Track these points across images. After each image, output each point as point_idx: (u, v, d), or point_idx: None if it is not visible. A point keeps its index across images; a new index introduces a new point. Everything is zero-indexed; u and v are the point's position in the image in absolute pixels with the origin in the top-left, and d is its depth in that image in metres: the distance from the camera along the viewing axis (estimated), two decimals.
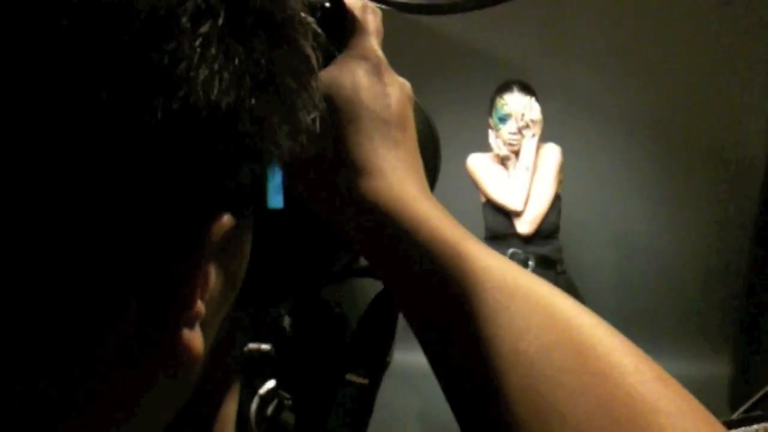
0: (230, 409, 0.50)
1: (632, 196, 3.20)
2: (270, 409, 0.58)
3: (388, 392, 0.58)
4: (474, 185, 2.61)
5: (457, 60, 3.15)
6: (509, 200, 2.51)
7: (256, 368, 0.56)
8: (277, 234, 0.36)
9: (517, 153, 2.52)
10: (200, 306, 0.25)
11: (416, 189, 0.33)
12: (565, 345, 0.29)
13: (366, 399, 0.51)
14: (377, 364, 0.51)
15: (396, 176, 0.33)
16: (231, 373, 0.50)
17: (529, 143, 2.50)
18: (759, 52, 3.04)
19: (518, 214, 2.52)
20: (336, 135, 0.33)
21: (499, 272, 0.31)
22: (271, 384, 0.59)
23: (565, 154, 2.57)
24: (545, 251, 2.53)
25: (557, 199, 2.55)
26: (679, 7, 2.95)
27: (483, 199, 2.60)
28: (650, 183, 3.20)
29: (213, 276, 0.26)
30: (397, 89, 0.35)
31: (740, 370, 3.02)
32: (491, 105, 2.60)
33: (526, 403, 0.28)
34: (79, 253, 0.21)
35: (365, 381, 0.51)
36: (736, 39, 3.01)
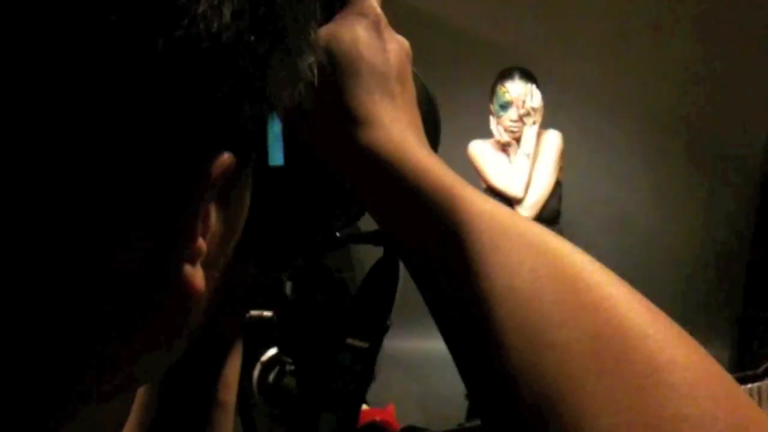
0: (233, 369, 0.50)
1: (632, 183, 3.21)
2: (272, 376, 0.59)
3: (387, 379, 0.58)
4: (475, 172, 2.62)
5: (459, 47, 3.15)
6: (510, 187, 2.51)
7: (258, 336, 0.57)
8: (277, 191, 0.37)
9: (518, 140, 2.52)
10: (201, 243, 0.26)
11: (415, 139, 0.34)
12: (557, 279, 0.29)
13: (367, 362, 0.51)
14: (377, 328, 0.52)
15: (395, 127, 0.34)
16: (233, 332, 0.51)
17: (530, 130, 2.50)
18: (761, 42, 3.03)
19: (519, 201, 2.53)
20: (335, 88, 0.33)
21: (493, 214, 0.32)
22: (272, 351, 0.60)
23: (566, 140, 2.57)
24: None
25: (558, 185, 2.56)
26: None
27: (484, 186, 2.61)
28: (651, 170, 3.21)
29: (213, 216, 0.27)
30: (396, 45, 0.35)
31: (739, 356, 3.03)
32: (492, 92, 2.60)
33: (519, 337, 0.28)
34: (79, 183, 0.22)
35: (365, 345, 0.51)
36: (739, 27, 3.01)
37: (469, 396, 0.32)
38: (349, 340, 0.52)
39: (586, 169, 2.97)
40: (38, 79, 0.20)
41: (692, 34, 3.01)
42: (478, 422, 0.65)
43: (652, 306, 0.29)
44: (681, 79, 3.11)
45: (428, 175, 0.32)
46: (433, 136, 0.52)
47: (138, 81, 0.21)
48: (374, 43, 0.34)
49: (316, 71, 0.29)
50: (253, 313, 0.56)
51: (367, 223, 0.49)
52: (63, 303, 0.23)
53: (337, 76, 0.33)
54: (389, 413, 2.09)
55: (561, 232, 2.57)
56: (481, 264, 0.30)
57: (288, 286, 0.54)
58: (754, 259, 3.05)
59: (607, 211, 3.21)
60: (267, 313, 0.56)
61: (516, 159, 2.52)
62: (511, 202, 2.53)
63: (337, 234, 0.52)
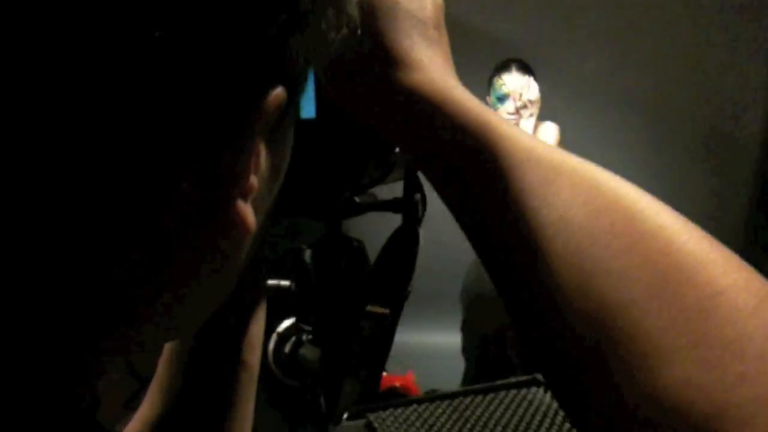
0: (258, 327, 0.50)
1: (628, 176, 3.20)
2: (288, 347, 0.59)
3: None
4: None
5: (456, 39, 3.13)
6: None
7: (274, 306, 0.57)
8: (309, 144, 0.37)
9: None
10: (253, 180, 0.26)
11: (455, 82, 0.34)
12: (613, 210, 0.29)
13: (388, 329, 0.51)
14: (398, 295, 0.51)
15: (435, 70, 0.33)
16: (257, 294, 0.51)
17: (526, 123, 2.51)
18: (758, 36, 3.05)
19: None
20: (374, 32, 0.33)
21: (540, 151, 0.32)
22: (288, 322, 0.59)
23: (563, 133, 2.58)
24: None
25: None
26: None
27: None
28: (646, 164, 3.22)
29: (263, 154, 0.26)
30: None
31: None
32: (489, 84, 2.60)
33: (572, 265, 0.28)
34: (136, 118, 0.22)
35: (386, 311, 0.51)
36: (736, 21, 3.02)
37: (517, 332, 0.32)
38: (370, 307, 0.52)
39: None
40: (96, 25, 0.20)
41: (691, 28, 3.02)
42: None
43: (707, 235, 0.29)
44: (679, 75, 3.12)
45: (471, 114, 0.32)
46: None
47: (195, 17, 0.21)
48: None
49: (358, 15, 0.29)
50: (271, 282, 0.56)
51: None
52: (121, 238, 0.23)
53: (374, 22, 0.33)
54: (409, 379, 2.10)
55: None
56: (534, 198, 0.30)
57: (308, 254, 0.53)
58: (749, 254, 3.07)
59: None
60: (284, 283, 0.56)
61: None
62: None
63: (357, 200, 0.52)
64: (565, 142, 2.59)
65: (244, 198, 0.26)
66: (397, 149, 0.46)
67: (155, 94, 0.22)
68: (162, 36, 0.21)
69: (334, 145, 0.42)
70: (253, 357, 0.49)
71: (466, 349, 2.91)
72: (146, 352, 0.30)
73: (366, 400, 0.51)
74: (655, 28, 3.02)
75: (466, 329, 2.73)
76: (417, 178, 0.53)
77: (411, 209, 0.53)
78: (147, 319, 0.26)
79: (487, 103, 2.58)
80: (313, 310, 0.54)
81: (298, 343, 0.58)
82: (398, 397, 0.58)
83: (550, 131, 2.55)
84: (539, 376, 0.63)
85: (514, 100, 2.51)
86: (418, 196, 0.53)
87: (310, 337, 0.57)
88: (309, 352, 0.57)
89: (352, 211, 0.52)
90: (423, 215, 0.54)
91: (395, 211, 0.53)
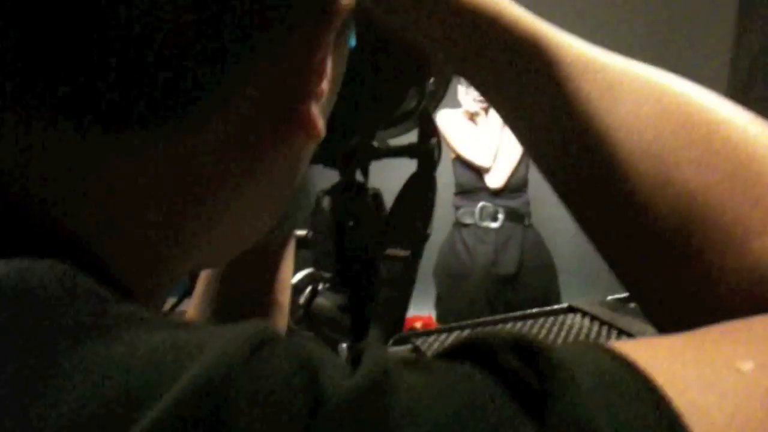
0: (287, 271, 0.50)
1: None
2: (302, 299, 0.59)
3: None
4: (444, 141, 2.63)
5: None
6: (477, 157, 2.54)
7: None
8: (350, 74, 0.37)
9: (486, 110, 2.55)
10: (325, 84, 0.26)
11: None
12: (685, 103, 0.30)
13: (409, 270, 0.52)
14: (418, 236, 0.52)
15: None
16: (289, 231, 0.51)
17: None
18: (719, 34, 3.12)
19: (486, 170, 2.56)
20: None
21: (603, 56, 0.32)
22: (302, 273, 0.60)
23: None
24: (514, 204, 2.58)
25: (526, 154, 2.60)
26: None
27: (452, 155, 2.62)
28: None
29: (329, 62, 0.26)
30: None
31: None
32: None
33: (652, 157, 0.29)
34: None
35: (407, 253, 0.52)
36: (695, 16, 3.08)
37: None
38: (390, 251, 0.52)
39: None
40: None
41: (651, 23, 3.07)
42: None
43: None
44: (652, 48, 3.18)
45: (528, 26, 0.33)
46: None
47: None
48: None
49: None
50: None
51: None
52: (197, 126, 0.23)
53: None
54: (430, 319, 2.10)
55: (528, 200, 2.61)
56: (603, 99, 0.31)
57: (326, 201, 0.54)
58: None
59: None
60: (301, 232, 0.56)
61: (484, 129, 2.55)
62: (479, 171, 2.56)
63: (375, 144, 0.52)
64: None
65: (317, 101, 0.26)
66: (432, 79, 0.46)
67: None
68: None
69: (375, 73, 0.42)
70: (284, 297, 0.49)
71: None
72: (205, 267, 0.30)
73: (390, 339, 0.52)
74: (628, 11, 3.07)
75: (440, 306, 2.75)
76: (433, 122, 0.53)
77: (427, 153, 0.53)
78: (214, 221, 0.26)
79: (459, 81, 2.60)
80: (332, 256, 0.54)
81: (314, 294, 0.58)
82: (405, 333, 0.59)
83: None
84: (574, 304, 0.64)
85: None
86: (434, 140, 0.53)
87: (327, 285, 0.58)
88: (326, 301, 0.57)
89: (368, 156, 0.52)
90: (438, 160, 0.54)
91: (411, 156, 0.54)
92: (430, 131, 0.53)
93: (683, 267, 0.28)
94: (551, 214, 3.22)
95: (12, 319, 0.17)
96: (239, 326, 0.19)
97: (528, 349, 0.19)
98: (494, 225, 2.55)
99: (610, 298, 0.67)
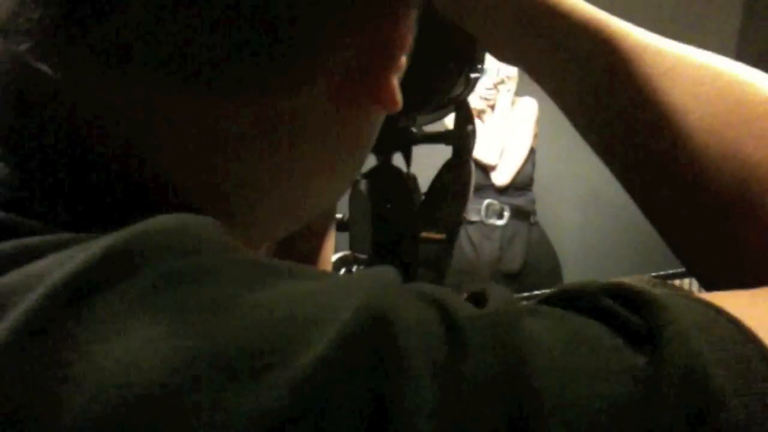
0: (329, 252, 0.52)
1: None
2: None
3: None
4: None
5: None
6: (483, 154, 2.55)
7: None
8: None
9: (492, 107, 2.56)
10: (403, 59, 0.27)
11: None
12: (738, 82, 0.32)
13: (445, 253, 0.53)
14: (454, 220, 0.54)
15: None
16: (331, 214, 0.52)
17: (504, 98, 2.54)
18: (726, 16, 3.13)
19: (492, 168, 2.57)
20: None
21: (658, 41, 0.34)
22: (336, 256, 0.61)
23: (541, 108, 2.62)
24: (519, 202, 2.60)
25: (532, 152, 2.61)
26: None
27: None
28: None
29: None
30: None
31: None
32: None
33: (714, 133, 0.30)
34: None
35: (443, 236, 0.53)
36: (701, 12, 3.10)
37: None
38: (425, 233, 0.54)
39: (559, 137, 3.03)
40: None
41: (664, 17, 3.09)
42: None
43: None
44: None
45: (582, 10, 0.34)
46: None
47: None
48: None
49: None
50: None
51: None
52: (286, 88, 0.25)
53: None
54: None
55: (533, 198, 2.63)
56: (661, 81, 0.32)
57: (363, 184, 0.55)
58: None
59: (578, 180, 3.29)
60: (338, 215, 0.58)
61: (490, 126, 2.56)
62: (485, 168, 2.58)
63: (414, 130, 0.54)
64: (543, 117, 2.63)
65: (398, 74, 0.27)
66: (480, 65, 0.47)
67: None
68: None
69: (430, 55, 0.43)
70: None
71: None
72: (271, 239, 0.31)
73: None
74: (634, 10, 3.08)
75: None
76: (469, 109, 0.55)
77: (463, 140, 0.55)
78: (297, 185, 0.28)
79: None
80: (368, 238, 0.56)
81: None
82: None
83: (529, 106, 2.59)
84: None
85: (492, 75, 2.53)
86: (470, 127, 0.55)
87: (361, 267, 0.59)
88: None
89: (408, 142, 0.54)
90: (473, 147, 0.56)
91: (448, 142, 0.55)
92: (466, 118, 0.54)
93: (745, 234, 0.30)
94: (556, 212, 3.26)
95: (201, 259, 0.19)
96: (374, 271, 0.21)
97: (626, 295, 0.21)
98: (500, 222, 2.56)
99: (650, 275, 0.69)
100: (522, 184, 2.60)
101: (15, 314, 0.17)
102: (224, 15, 0.23)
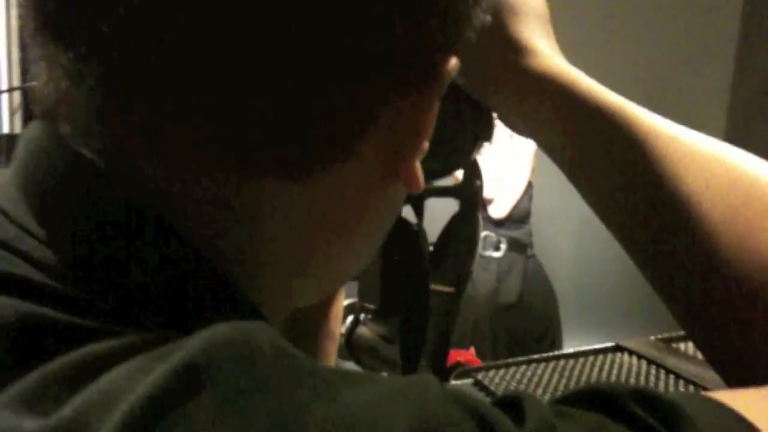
0: (340, 302, 0.53)
1: None
2: (344, 327, 0.61)
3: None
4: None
5: None
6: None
7: None
8: None
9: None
10: (425, 143, 0.29)
11: (574, 68, 0.37)
12: (748, 175, 0.33)
13: (453, 305, 0.55)
14: (463, 274, 0.55)
15: (556, 56, 0.37)
16: None
17: (502, 131, 2.57)
18: (721, 51, 3.17)
19: (489, 201, 2.59)
20: (501, 25, 0.37)
21: (672, 128, 0.35)
22: (345, 302, 0.62)
23: None
24: (517, 235, 2.61)
25: (529, 186, 2.64)
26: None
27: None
28: None
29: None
30: None
31: None
32: None
33: (725, 223, 0.32)
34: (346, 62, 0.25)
35: (451, 289, 0.55)
36: (698, 20, 3.13)
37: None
38: (434, 286, 0.55)
39: (556, 170, 3.05)
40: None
41: (658, 41, 3.13)
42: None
43: None
44: (648, 88, 3.22)
45: (598, 95, 0.36)
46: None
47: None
48: None
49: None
50: None
51: None
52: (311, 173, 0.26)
53: (501, 15, 0.37)
54: (471, 354, 2.13)
55: (530, 231, 2.64)
56: (676, 168, 0.34)
57: None
58: None
59: (574, 213, 3.31)
60: None
61: (487, 160, 2.59)
62: (482, 201, 2.60)
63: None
64: (541, 151, 2.65)
65: (420, 157, 0.29)
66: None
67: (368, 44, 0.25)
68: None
69: (453, 125, 0.44)
70: (337, 327, 0.52)
71: None
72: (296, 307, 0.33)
73: (436, 374, 0.54)
74: (627, 42, 3.12)
75: None
76: (478, 166, 0.56)
77: (472, 195, 0.56)
78: (331, 258, 0.30)
79: None
80: (377, 288, 0.57)
81: (356, 323, 0.61)
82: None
83: (527, 140, 2.61)
84: (621, 343, 0.67)
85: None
86: (478, 182, 0.56)
87: (368, 316, 0.60)
88: (368, 331, 0.60)
89: (417, 196, 0.55)
90: (480, 202, 0.57)
91: (456, 197, 0.57)
92: (475, 174, 0.56)
93: (762, 323, 0.31)
94: (553, 245, 3.27)
95: (256, 375, 0.20)
96: (416, 378, 0.22)
97: (649, 399, 0.22)
98: (497, 254, 2.58)
99: (653, 337, 0.70)
100: (519, 217, 2.62)
101: None
102: (263, 99, 0.24)
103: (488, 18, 0.32)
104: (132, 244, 0.24)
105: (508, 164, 2.58)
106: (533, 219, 2.71)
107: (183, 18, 0.22)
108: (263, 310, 0.27)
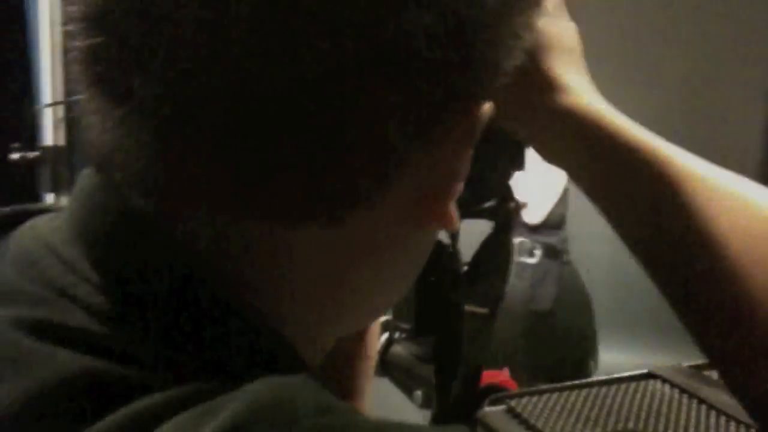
0: (377, 327, 0.54)
1: None
2: (379, 345, 0.62)
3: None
4: None
5: None
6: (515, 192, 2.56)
7: None
8: None
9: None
10: (460, 185, 0.30)
11: (607, 105, 0.38)
12: None
13: (487, 327, 0.55)
14: (496, 295, 0.55)
15: (590, 94, 0.38)
16: None
17: None
18: (757, 51, 3.11)
19: (523, 206, 2.58)
20: (533, 60, 0.37)
21: (700, 166, 0.36)
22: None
23: None
24: (552, 241, 2.59)
25: (565, 191, 2.61)
26: (677, 3, 3.00)
27: None
28: None
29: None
30: (573, 24, 0.39)
31: None
32: None
33: (754, 265, 0.32)
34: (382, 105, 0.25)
35: (486, 311, 0.55)
36: (735, 36, 3.08)
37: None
38: (468, 307, 0.56)
39: None
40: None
41: (690, 44, 3.08)
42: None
43: None
44: (680, 92, 3.17)
45: (630, 133, 0.36)
46: None
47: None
48: (561, 22, 0.38)
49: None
50: None
51: None
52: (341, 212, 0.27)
53: (534, 52, 0.37)
54: (505, 375, 2.14)
55: (566, 237, 2.62)
56: (704, 209, 0.34)
57: None
58: None
59: None
60: None
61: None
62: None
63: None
64: None
65: (453, 199, 0.30)
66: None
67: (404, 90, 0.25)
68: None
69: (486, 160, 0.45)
70: (373, 350, 0.53)
71: None
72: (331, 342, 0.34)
73: (469, 395, 0.55)
74: (655, 44, 3.08)
75: None
76: (510, 188, 0.57)
77: (506, 217, 0.56)
78: (365, 296, 0.30)
79: None
80: (412, 307, 0.58)
81: (390, 342, 0.62)
82: (498, 393, 0.62)
83: None
84: (653, 370, 0.67)
85: None
86: (512, 204, 0.57)
87: (402, 335, 0.61)
88: (402, 350, 0.60)
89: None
90: (514, 224, 0.58)
91: (490, 218, 0.57)
92: (508, 196, 0.56)
93: None
94: (589, 252, 3.23)
95: None
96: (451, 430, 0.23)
97: None
98: (531, 261, 2.56)
99: (686, 364, 0.70)
100: (554, 223, 2.60)
101: None
102: (298, 152, 0.25)
103: (524, 58, 0.32)
104: (177, 299, 0.25)
105: (544, 170, 2.56)
106: (569, 225, 2.68)
107: (233, 78, 0.23)
108: (304, 353, 0.28)
